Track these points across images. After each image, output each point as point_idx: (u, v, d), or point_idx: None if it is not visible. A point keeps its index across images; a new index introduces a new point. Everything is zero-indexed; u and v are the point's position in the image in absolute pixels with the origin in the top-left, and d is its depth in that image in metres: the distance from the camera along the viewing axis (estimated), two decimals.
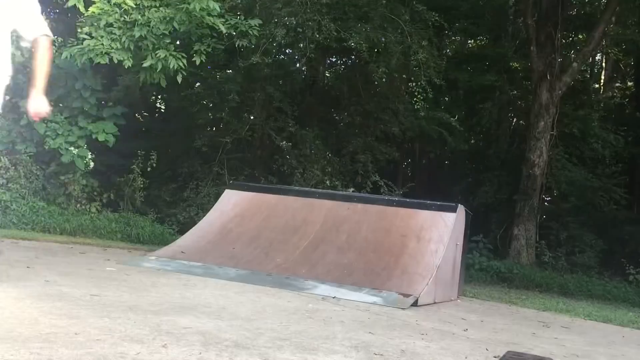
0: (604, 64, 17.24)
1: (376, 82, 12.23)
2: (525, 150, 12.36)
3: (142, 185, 9.15)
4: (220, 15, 7.01)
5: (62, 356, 1.74)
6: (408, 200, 6.24)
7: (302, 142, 11.16)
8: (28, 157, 7.64)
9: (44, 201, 7.65)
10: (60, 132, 7.52)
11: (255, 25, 7.59)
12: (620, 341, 4.40)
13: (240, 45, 8.01)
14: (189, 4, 6.53)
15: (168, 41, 6.99)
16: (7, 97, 2.95)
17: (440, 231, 5.22)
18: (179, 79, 7.24)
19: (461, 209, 5.53)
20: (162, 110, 14.12)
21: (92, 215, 7.97)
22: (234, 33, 7.66)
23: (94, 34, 6.68)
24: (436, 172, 16.88)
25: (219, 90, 11.19)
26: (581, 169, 13.01)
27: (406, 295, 4.40)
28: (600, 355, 3.40)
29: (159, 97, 13.51)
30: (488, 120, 15.26)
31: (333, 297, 4.24)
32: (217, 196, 7.20)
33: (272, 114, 11.47)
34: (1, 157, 7.42)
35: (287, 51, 13.01)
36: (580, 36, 15.13)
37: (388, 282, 4.76)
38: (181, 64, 6.92)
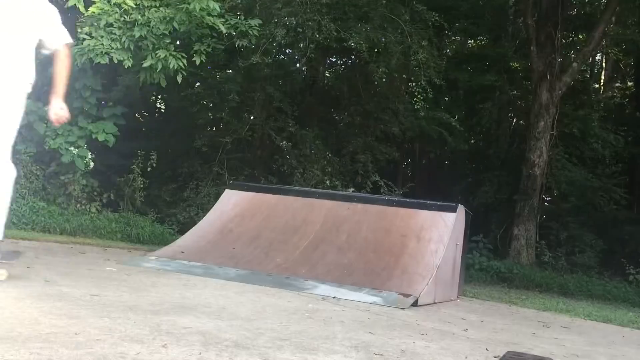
0: (604, 64, 17.25)
1: (376, 82, 12.23)
2: (525, 150, 12.36)
3: (142, 185, 9.15)
4: (220, 15, 7.01)
5: (62, 356, 1.74)
6: (408, 200, 6.24)
7: (302, 142, 11.17)
8: (28, 157, 7.64)
9: (44, 201, 7.65)
10: (60, 132, 7.52)
11: (255, 25, 7.59)
12: (620, 341, 4.40)
13: (240, 45, 8.01)
14: (189, 4, 6.53)
15: (168, 41, 6.99)
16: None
17: (440, 231, 5.23)
18: (179, 79, 7.24)
19: (461, 209, 5.53)
20: (162, 110, 14.13)
21: (92, 215, 7.97)
22: (234, 33, 7.66)
23: (93, 34, 6.68)
24: (436, 172, 16.89)
25: (219, 90, 11.19)
26: (581, 169, 13.02)
27: (406, 295, 4.40)
28: (600, 355, 3.40)
29: (159, 97, 13.52)
30: (488, 120, 15.27)
31: (333, 297, 4.24)
32: (217, 196, 7.20)
33: (272, 114, 11.47)
34: None
35: (287, 51, 13.02)
36: (580, 36, 15.14)
37: (388, 282, 4.76)
38: (181, 64, 6.92)
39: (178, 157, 11.47)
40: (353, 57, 13.31)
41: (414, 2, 11.03)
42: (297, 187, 8.77)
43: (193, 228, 6.06)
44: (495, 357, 2.74)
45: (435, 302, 4.89)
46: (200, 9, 6.53)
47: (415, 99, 10.96)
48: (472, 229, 7.12)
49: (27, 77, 3.18)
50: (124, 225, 7.97)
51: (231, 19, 7.44)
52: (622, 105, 16.91)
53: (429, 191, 12.26)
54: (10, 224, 6.74)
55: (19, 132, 7.12)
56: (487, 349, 2.93)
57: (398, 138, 12.87)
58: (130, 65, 6.91)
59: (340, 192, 8.39)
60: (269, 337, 2.47)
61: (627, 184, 13.92)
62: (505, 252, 11.92)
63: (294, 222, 5.73)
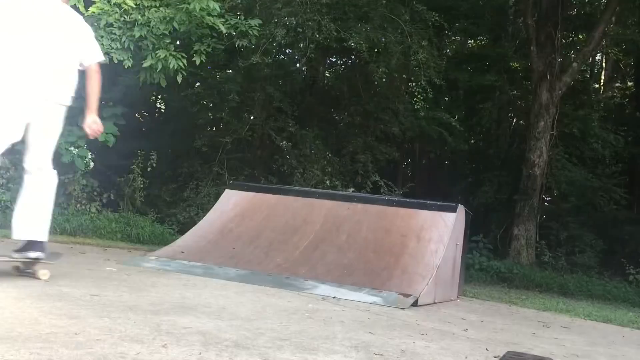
0: (604, 64, 17.25)
1: (376, 82, 12.23)
2: (525, 150, 12.36)
3: (142, 185, 9.15)
4: (220, 15, 7.01)
5: (62, 356, 1.74)
6: (408, 200, 6.24)
7: (302, 142, 11.17)
8: None
9: None
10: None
11: (255, 25, 7.59)
12: (620, 341, 4.40)
13: (240, 45, 8.01)
14: (189, 4, 6.53)
15: (168, 41, 6.99)
16: None
17: (440, 231, 5.22)
18: (179, 79, 7.24)
19: (461, 209, 5.53)
20: (162, 110, 14.13)
21: (92, 215, 7.97)
22: (234, 33, 7.66)
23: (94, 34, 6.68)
24: (436, 172, 16.88)
25: (219, 90, 11.19)
26: (581, 169, 13.02)
27: (406, 295, 4.40)
28: (600, 355, 3.40)
29: (159, 97, 13.52)
30: (488, 120, 15.27)
31: (333, 297, 4.24)
32: (217, 196, 7.20)
33: (272, 114, 11.47)
34: (1, 157, 7.42)
35: (287, 51, 13.02)
36: (580, 36, 15.14)
37: (388, 282, 4.76)
38: (181, 64, 6.92)
39: (178, 157, 11.47)
40: (353, 57, 13.31)
41: (414, 2, 11.03)
42: (297, 187, 8.77)
43: (193, 228, 6.06)
44: (495, 357, 2.74)
45: (435, 302, 4.89)
46: (200, 9, 6.53)
47: (415, 99, 10.96)
48: (472, 229, 7.12)
49: (70, 91, 3.38)
50: (124, 225, 7.97)
51: (231, 19, 7.44)
52: (622, 105, 16.91)
53: (429, 191, 12.26)
54: (10, 224, 6.75)
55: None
56: (487, 349, 2.93)
57: (398, 138, 12.87)
58: (130, 65, 6.91)
59: (340, 192, 8.39)
60: (269, 337, 2.47)
61: (627, 184, 13.91)
62: (505, 252, 11.92)
63: (294, 222, 5.73)
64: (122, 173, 9.34)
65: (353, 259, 5.15)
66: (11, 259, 3.24)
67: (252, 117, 11.44)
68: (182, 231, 7.87)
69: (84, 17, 6.84)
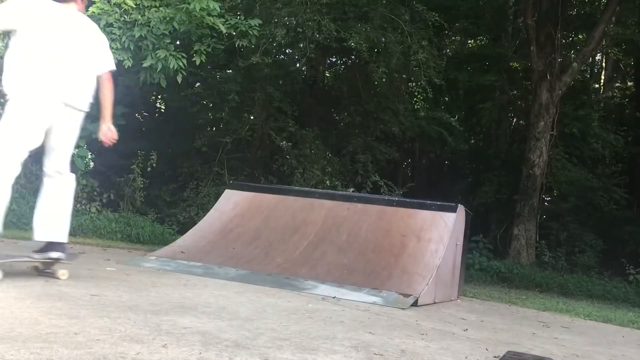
0: (604, 64, 17.26)
1: (376, 82, 12.24)
2: (525, 150, 12.37)
3: (142, 185, 9.15)
4: (220, 15, 7.01)
5: (62, 356, 1.74)
6: (408, 200, 6.24)
7: (302, 142, 11.17)
8: (28, 157, 7.63)
9: None
10: None
11: (255, 25, 7.59)
12: (620, 341, 4.40)
13: (240, 45, 8.01)
14: (189, 4, 6.53)
15: (168, 41, 6.99)
16: None
17: (440, 231, 5.23)
18: (179, 79, 7.24)
19: (461, 209, 5.53)
20: (162, 110, 14.13)
21: (92, 215, 7.97)
22: (234, 33, 7.66)
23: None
24: (436, 172, 16.89)
25: (219, 90, 11.20)
26: (581, 169, 13.03)
27: (406, 295, 4.40)
28: (600, 355, 3.40)
29: (159, 97, 13.52)
30: (488, 120, 15.28)
31: (333, 297, 4.24)
32: (217, 196, 7.20)
33: (272, 114, 11.47)
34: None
35: (287, 51, 13.02)
36: (580, 36, 15.15)
37: (388, 282, 4.76)
38: (181, 64, 6.92)
39: (178, 157, 11.47)
40: (353, 57, 13.31)
41: (414, 2, 11.03)
42: (297, 187, 8.77)
43: (193, 228, 6.06)
44: (495, 357, 2.74)
45: (435, 302, 4.89)
46: (200, 9, 6.54)
47: (415, 99, 10.97)
48: (472, 229, 7.12)
49: (89, 97, 3.47)
50: (124, 225, 7.97)
51: (231, 19, 7.44)
52: (622, 105, 16.92)
53: (429, 191, 12.28)
54: (10, 224, 6.76)
55: None
56: (487, 349, 2.93)
57: (398, 138, 12.88)
58: (130, 65, 6.91)
59: (340, 192, 8.39)
60: (269, 337, 2.47)
61: (627, 184, 13.93)
62: (505, 252, 11.93)
63: (294, 222, 5.73)
64: (122, 173, 9.33)
65: (353, 259, 5.15)
66: (32, 259, 3.35)
67: (252, 117, 11.44)
68: (182, 231, 7.87)
69: None
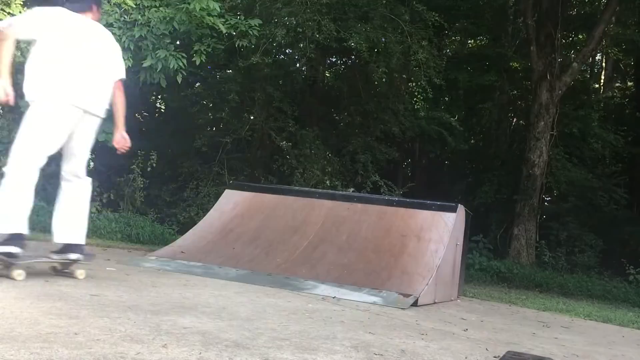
0: (604, 64, 17.26)
1: (376, 82, 12.24)
2: (525, 150, 12.37)
3: (142, 185, 9.15)
4: (220, 15, 7.01)
5: (62, 356, 1.74)
6: (408, 200, 6.24)
7: (302, 142, 11.17)
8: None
9: (44, 201, 7.64)
10: None
11: (255, 25, 7.59)
12: (620, 341, 4.40)
13: (240, 45, 8.01)
14: (189, 4, 6.53)
15: (168, 41, 6.99)
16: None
17: (440, 231, 5.23)
18: (179, 79, 7.24)
19: (461, 209, 5.53)
20: (162, 110, 14.13)
21: (92, 215, 7.96)
22: (234, 33, 7.67)
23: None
24: (436, 172, 16.89)
25: (219, 90, 11.20)
26: (581, 168, 13.03)
27: (406, 295, 4.40)
28: (600, 355, 3.40)
29: (159, 97, 13.52)
30: (488, 120, 15.28)
31: (333, 297, 4.24)
32: (217, 196, 7.20)
33: (272, 114, 11.47)
34: (1, 157, 7.42)
35: (287, 51, 13.02)
36: (580, 36, 15.15)
37: (388, 282, 4.76)
38: (181, 64, 6.92)
39: (178, 157, 11.47)
40: (353, 57, 13.31)
41: (414, 2, 11.03)
42: (297, 187, 8.77)
43: (193, 228, 6.06)
44: (495, 357, 2.74)
45: (435, 302, 4.89)
46: (200, 9, 6.54)
47: (415, 99, 10.97)
48: (472, 229, 7.12)
49: (105, 105, 3.62)
50: (124, 225, 7.96)
51: (231, 19, 7.44)
52: (622, 105, 16.92)
53: (429, 191, 12.27)
54: None
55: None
56: (487, 349, 2.93)
57: (398, 138, 12.88)
58: (130, 65, 6.91)
59: (340, 192, 8.38)
60: (269, 337, 2.47)
61: (627, 184, 13.93)
62: (505, 252, 11.92)
63: (294, 222, 5.73)
64: (122, 173, 9.33)
65: (353, 259, 5.15)
66: (51, 260, 3.48)
67: (252, 117, 11.44)
68: (182, 231, 7.86)
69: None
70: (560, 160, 12.75)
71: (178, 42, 7.76)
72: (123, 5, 6.58)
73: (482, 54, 15.34)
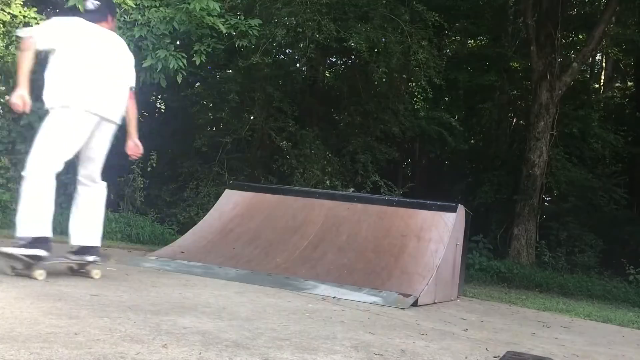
0: (604, 64, 17.26)
1: (376, 82, 12.24)
2: (525, 150, 12.37)
3: (142, 185, 9.14)
4: (220, 15, 7.01)
5: (62, 356, 1.74)
6: (408, 200, 6.24)
7: (302, 142, 11.17)
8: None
9: None
10: None
11: (255, 25, 7.59)
12: (620, 341, 4.40)
13: (240, 45, 8.01)
14: (189, 4, 6.53)
15: (168, 41, 6.99)
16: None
17: (440, 231, 5.22)
18: (179, 79, 7.23)
19: (461, 209, 5.53)
20: (162, 110, 14.12)
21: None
22: (234, 33, 7.66)
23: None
24: (436, 172, 16.89)
25: (219, 90, 11.19)
26: (581, 169, 13.03)
27: (406, 295, 4.40)
28: (600, 355, 3.40)
29: (159, 97, 13.52)
30: (488, 120, 15.28)
31: (333, 297, 4.24)
32: (217, 196, 7.20)
33: (272, 114, 11.47)
34: (1, 157, 7.42)
35: (287, 51, 13.02)
36: (580, 36, 15.15)
37: (388, 282, 4.76)
38: (181, 64, 6.92)
39: (178, 157, 11.47)
40: (353, 57, 13.31)
41: (414, 2, 11.03)
42: (297, 187, 8.77)
43: (193, 228, 6.06)
44: (495, 357, 2.74)
45: (435, 302, 4.89)
46: (200, 9, 6.54)
47: (415, 99, 10.97)
48: (472, 229, 7.12)
49: (122, 112, 3.76)
50: (124, 225, 7.96)
51: (231, 19, 7.44)
52: (622, 105, 16.92)
53: (429, 191, 12.27)
54: (11, 224, 6.76)
55: (19, 133, 7.28)
56: (487, 349, 2.93)
57: (398, 138, 12.88)
58: None
59: (340, 192, 8.38)
60: (269, 337, 2.47)
61: (627, 184, 13.93)
62: (505, 252, 11.93)
63: (294, 222, 5.73)
64: (122, 173, 9.32)
65: (353, 259, 5.15)
66: (69, 261, 3.63)
67: (252, 117, 11.44)
68: (182, 231, 7.86)
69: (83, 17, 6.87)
70: (560, 160, 12.75)
71: (178, 42, 7.76)
72: (123, 5, 6.58)
73: (482, 54, 15.35)
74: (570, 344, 3.71)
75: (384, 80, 12.07)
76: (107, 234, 7.52)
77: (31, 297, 2.67)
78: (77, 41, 3.47)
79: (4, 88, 7.68)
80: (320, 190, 7.79)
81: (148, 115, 13.72)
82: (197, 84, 11.60)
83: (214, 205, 6.54)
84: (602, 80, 17.28)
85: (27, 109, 3.34)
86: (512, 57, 14.61)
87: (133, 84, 3.85)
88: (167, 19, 6.75)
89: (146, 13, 6.76)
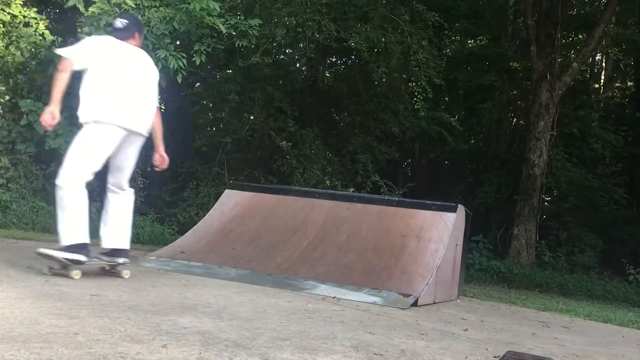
0: (604, 64, 17.25)
1: (376, 82, 12.24)
2: (525, 150, 12.37)
3: (142, 185, 9.15)
4: (220, 15, 7.01)
5: (62, 356, 1.74)
6: (408, 200, 6.23)
7: (302, 142, 11.17)
8: (28, 157, 7.63)
9: (44, 201, 7.65)
10: (60, 132, 7.51)
11: (255, 25, 7.59)
12: (620, 341, 4.40)
13: (240, 45, 8.01)
14: (189, 4, 6.53)
15: (168, 41, 6.99)
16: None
17: (440, 231, 5.22)
18: (179, 79, 7.23)
19: (461, 209, 5.52)
20: (162, 110, 14.12)
21: (92, 215, 7.94)
22: (234, 33, 7.66)
23: (93, 34, 6.68)
24: (436, 172, 16.89)
25: (219, 90, 11.20)
26: (581, 169, 13.03)
27: (406, 295, 4.40)
28: (600, 355, 3.40)
29: (159, 97, 13.51)
30: (488, 120, 15.28)
31: (333, 297, 4.24)
32: (217, 196, 7.20)
33: (272, 114, 11.48)
34: (1, 157, 7.42)
35: (287, 51, 13.02)
36: (580, 36, 15.15)
37: (388, 282, 4.76)
38: (181, 64, 6.92)
39: (178, 157, 11.47)
40: (353, 57, 13.32)
41: (414, 2, 11.04)
42: (297, 187, 8.77)
43: (193, 228, 6.06)
44: (495, 357, 2.74)
45: (435, 302, 4.89)
46: (200, 9, 6.53)
47: (415, 99, 10.97)
48: (472, 229, 7.12)
49: (149, 125, 4.01)
50: None
51: (231, 19, 7.44)
52: (622, 105, 16.92)
53: (429, 191, 12.27)
54: (10, 224, 6.76)
55: (19, 133, 7.33)
56: (487, 349, 2.93)
57: (398, 138, 12.88)
58: None
59: (340, 192, 8.38)
60: (269, 337, 2.47)
61: (627, 184, 13.93)
62: (505, 252, 11.93)
63: (294, 222, 5.73)
64: None
65: (353, 259, 5.15)
66: (102, 262, 3.86)
67: (252, 117, 11.44)
68: (182, 231, 7.87)
69: (84, 17, 6.87)
70: (560, 160, 12.75)
71: (178, 42, 7.76)
72: (123, 5, 6.58)
73: (482, 54, 15.34)
74: (570, 344, 3.71)
75: (384, 80, 12.07)
76: None
77: (31, 297, 2.67)
78: (108, 60, 3.71)
79: (4, 88, 7.68)
80: (320, 190, 7.79)
81: None
82: (197, 84, 11.61)
83: (214, 205, 6.53)
84: (602, 80, 17.28)
85: (55, 124, 3.55)
86: (512, 57, 14.61)
87: (157, 102, 4.06)
88: (167, 19, 6.75)
89: (146, 13, 6.76)
